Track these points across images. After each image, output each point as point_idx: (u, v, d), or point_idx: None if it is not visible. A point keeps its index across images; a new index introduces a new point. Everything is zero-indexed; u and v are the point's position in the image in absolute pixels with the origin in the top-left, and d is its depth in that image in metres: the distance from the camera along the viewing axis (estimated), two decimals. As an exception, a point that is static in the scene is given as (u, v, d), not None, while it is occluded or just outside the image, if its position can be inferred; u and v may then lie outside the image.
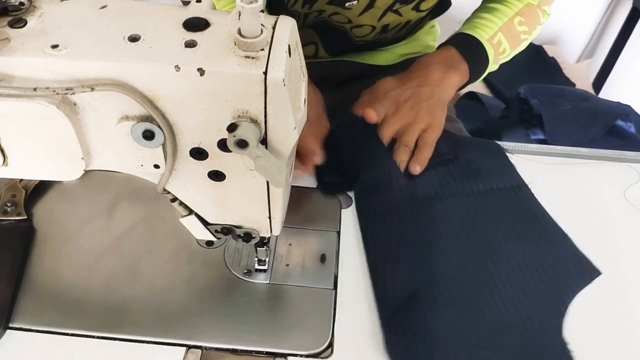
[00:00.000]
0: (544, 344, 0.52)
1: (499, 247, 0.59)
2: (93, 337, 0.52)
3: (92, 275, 0.56)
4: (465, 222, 0.61)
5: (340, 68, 0.90)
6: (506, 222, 0.62)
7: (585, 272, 0.59)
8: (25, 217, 0.61)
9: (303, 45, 0.84)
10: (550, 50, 1.81)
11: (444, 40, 0.79)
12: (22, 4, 0.40)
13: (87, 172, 0.43)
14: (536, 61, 1.75)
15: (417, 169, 0.65)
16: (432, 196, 0.63)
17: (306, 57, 0.94)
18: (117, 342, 0.51)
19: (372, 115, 0.66)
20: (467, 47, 0.75)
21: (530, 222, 0.62)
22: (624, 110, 1.36)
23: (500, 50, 0.76)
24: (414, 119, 0.68)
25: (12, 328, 0.52)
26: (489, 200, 0.64)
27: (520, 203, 0.64)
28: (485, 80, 1.53)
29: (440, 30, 1.01)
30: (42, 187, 0.64)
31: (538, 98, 1.33)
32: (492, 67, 0.77)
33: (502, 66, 0.80)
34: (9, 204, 0.61)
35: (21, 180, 0.63)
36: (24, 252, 0.58)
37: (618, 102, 1.41)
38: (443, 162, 0.67)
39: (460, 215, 0.62)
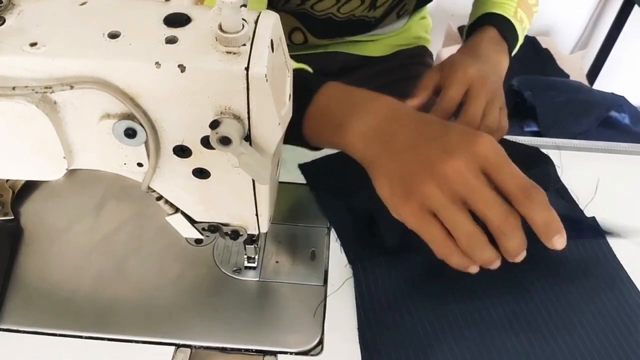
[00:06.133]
0: None
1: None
2: (82, 337, 0.51)
3: (80, 275, 0.56)
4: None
5: (331, 60, 0.89)
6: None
7: None
8: (13, 217, 0.60)
9: (290, 33, 0.83)
10: (544, 42, 1.80)
11: (439, 30, 0.77)
12: (0, 2, 0.39)
13: (73, 171, 0.43)
14: (530, 52, 1.74)
15: None
16: None
17: (297, 45, 0.93)
18: (105, 341, 0.51)
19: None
20: (502, 26, 0.72)
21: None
22: (617, 101, 1.36)
23: (523, 26, 0.75)
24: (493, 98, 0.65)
25: (-1, 329, 0.51)
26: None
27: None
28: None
29: (432, 22, 1.01)
30: (29, 187, 0.64)
31: (531, 90, 1.33)
32: (519, 44, 0.76)
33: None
34: (-5, 204, 0.61)
35: (8, 179, 0.63)
36: (11, 252, 0.57)
37: (612, 93, 1.41)
38: None
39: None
